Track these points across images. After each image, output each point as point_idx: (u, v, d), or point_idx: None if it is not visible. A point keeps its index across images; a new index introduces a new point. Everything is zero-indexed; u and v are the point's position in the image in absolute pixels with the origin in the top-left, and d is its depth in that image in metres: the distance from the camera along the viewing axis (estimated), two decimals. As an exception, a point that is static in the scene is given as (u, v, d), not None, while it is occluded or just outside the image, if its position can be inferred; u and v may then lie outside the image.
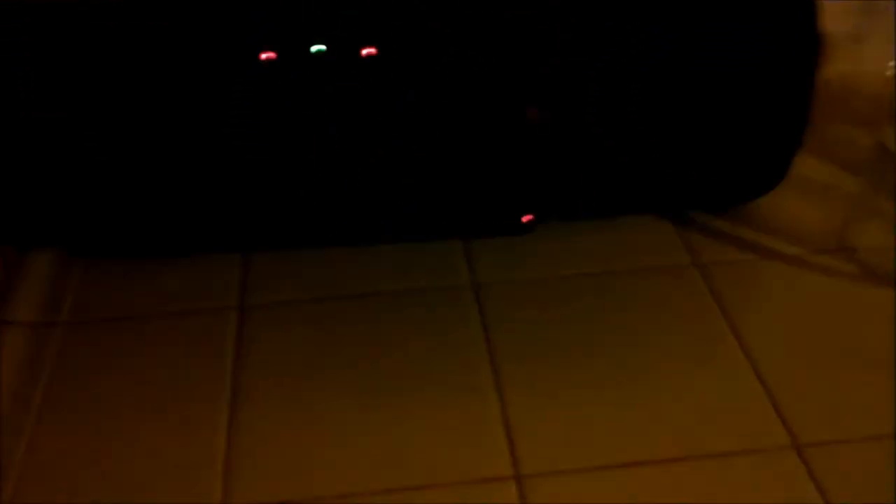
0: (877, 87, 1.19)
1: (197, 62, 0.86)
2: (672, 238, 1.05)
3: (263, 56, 0.86)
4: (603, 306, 0.96)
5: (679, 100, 0.95)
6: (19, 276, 0.97)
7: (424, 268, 1.00)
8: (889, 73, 1.21)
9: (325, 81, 0.88)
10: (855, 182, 1.10)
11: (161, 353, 0.90)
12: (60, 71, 0.85)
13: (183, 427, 0.83)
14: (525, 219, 0.99)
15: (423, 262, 1.00)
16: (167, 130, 0.89)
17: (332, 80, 0.87)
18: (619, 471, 0.79)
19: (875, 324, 0.92)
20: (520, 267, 1.00)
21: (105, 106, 0.87)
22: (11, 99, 0.86)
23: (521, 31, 0.88)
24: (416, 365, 0.89)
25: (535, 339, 0.92)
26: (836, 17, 0.99)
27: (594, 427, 0.83)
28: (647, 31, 0.90)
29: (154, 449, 0.81)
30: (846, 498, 0.76)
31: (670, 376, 0.88)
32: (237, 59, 0.86)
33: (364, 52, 0.87)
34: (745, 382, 0.87)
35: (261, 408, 0.85)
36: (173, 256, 1.00)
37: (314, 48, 0.86)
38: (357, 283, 0.98)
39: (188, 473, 0.79)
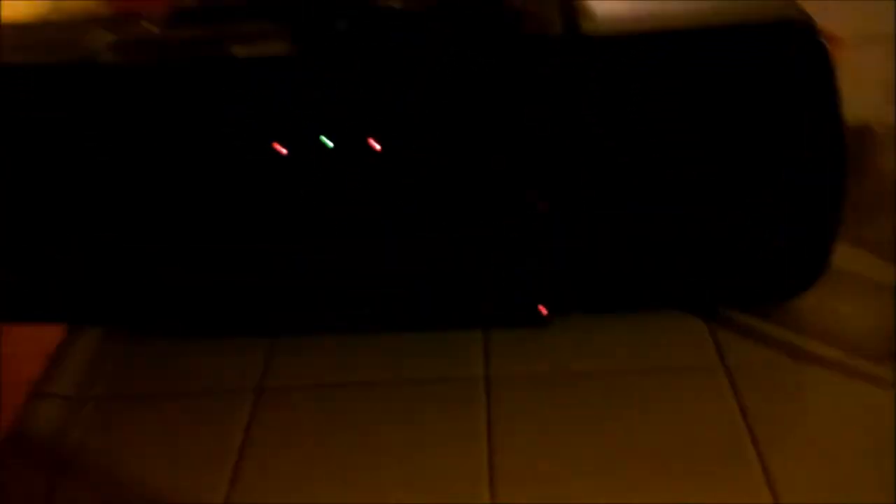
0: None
1: (219, 156, 0.91)
2: (701, 336, 1.01)
3: (276, 148, 0.90)
4: (614, 408, 0.93)
5: (709, 192, 0.93)
6: (67, 351, 1.04)
7: (440, 357, 1.01)
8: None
9: (334, 173, 0.91)
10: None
11: (176, 431, 0.94)
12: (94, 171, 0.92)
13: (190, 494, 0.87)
14: (542, 311, 0.98)
15: (440, 352, 1.01)
16: (192, 227, 0.94)
17: (342, 172, 0.91)
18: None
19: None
20: (535, 360, 0.99)
21: (142, 200, 0.94)
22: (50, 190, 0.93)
23: (526, 120, 0.90)
24: (414, 456, 0.89)
25: (537, 440, 0.90)
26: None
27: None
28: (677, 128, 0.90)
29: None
30: None
31: (677, 485, 0.84)
32: (252, 151, 0.91)
33: (370, 144, 0.90)
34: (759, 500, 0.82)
35: (258, 487, 0.87)
36: (204, 337, 1.04)
37: (324, 142, 0.90)
38: (372, 371, 1.00)
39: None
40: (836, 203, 0.91)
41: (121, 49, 0.89)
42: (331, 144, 0.89)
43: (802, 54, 0.85)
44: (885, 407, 0.89)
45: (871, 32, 1.15)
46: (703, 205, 0.93)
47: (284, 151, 0.90)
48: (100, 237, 0.95)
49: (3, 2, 1.00)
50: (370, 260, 0.96)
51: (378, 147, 0.89)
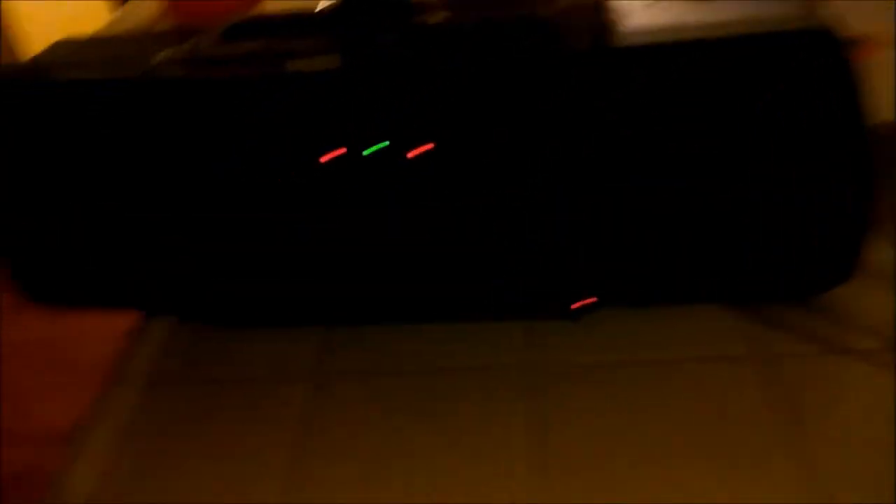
0: None
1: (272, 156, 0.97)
2: (736, 328, 1.04)
3: (328, 156, 0.96)
4: (652, 398, 0.97)
5: (743, 188, 0.95)
6: (140, 338, 1.13)
7: (481, 346, 1.06)
8: None
9: (387, 176, 0.96)
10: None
11: (234, 418, 1.02)
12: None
13: (240, 486, 0.94)
14: (577, 304, 1.03)
15: (482, 341, 1.06)
16: (247, 231, 1.01)
17: (393, 175, 0.96)
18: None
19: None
20: (576, 350, 1.03)
21: (199, 191, 1.00)
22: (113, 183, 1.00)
23: (578, 122, 0.93)
24: (458, 441, 0.95)
25: (577, 429, 0.95)
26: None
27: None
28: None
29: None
30: None
31: (720, 478, 0.87)
32: (303, 161, 0.96)
33: (420, 148, 0.95)
34: (801, 494, 0.85)
35: (315, 474, 0.94)
36: (265, 327, 1.12)
37: (374, 148, 0.95)
38: (419, 361, 1.06)
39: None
40: (867, 199, 0.93)
41: (178, 64, 0.96)
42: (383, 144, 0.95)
43: (820, 59, 0.87)
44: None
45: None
46: (739, 201, 0.95)
47: (343, 150, 0.95)
48: (167, 237, 1.02)
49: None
50: (414, 256, 1.01)
51: (425, 148, 0.94)
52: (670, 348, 1.03)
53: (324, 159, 0.95)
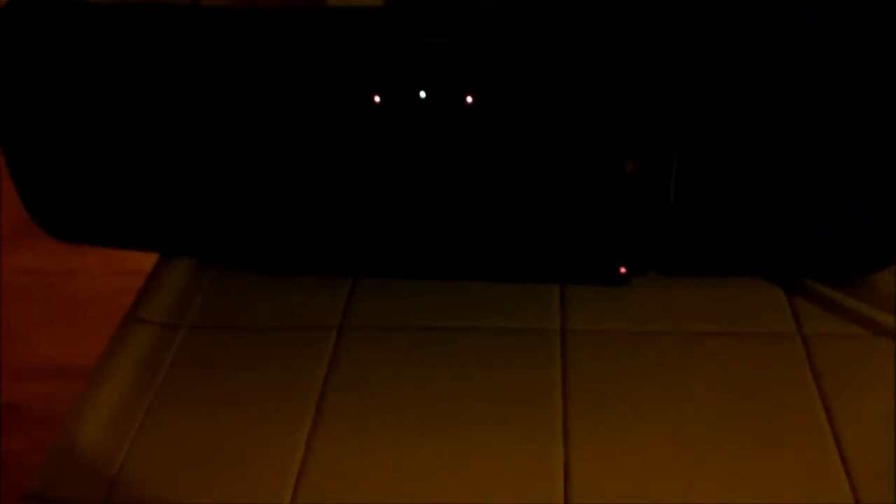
0: None
1: (317, 99, 0.93)
2: (779, 304, 1.01)
3: (376, 98, 0.92)
4: (690, 368, 0.95)
5: (797, 162, 0.92)
6: (158, 279, 1.09)
7: (518, 308, 1.03)
8: None
9: (428, 125, 0.93)
10: None
11: (261, 364, 0.99)
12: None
13: (266, 435, 0.91)
14: (622, 270, 1.00)
15: (518, 303, 1.03)
16: (290, 164, 0.97)
17: (435, 125, 0.93)
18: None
19: None
20: (612, 318, 1.01)
21: (236, 133, 0.96)
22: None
23: (624, 85, 0.90)
24: (489, 402, 0.92)
25: (613, 394, 0.93)
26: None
27: (656, 489, 0.83)
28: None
29: (237, 451, 0.90)
30: None
31: (748, 453, 0.86)
32: (353, 99, 0.93)
33: (466, 99, 0.91)
34: (830, 473, 0.83)
35: (341, 425, 0.91)
36: (290, 273, 1.08)
37: (421, 94, 0.92)
38: (452, 317, 1.02)
39: (264, 475, 0.87)
40: None
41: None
42: (423, 95, 0.91)
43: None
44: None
45: None
46: (790, 175, 0.93)
47: (377, 100, 0.91)
48: (192, 174, 0.98)
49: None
50: (455, 211, 0.98)
51: (471, 100, 0.91)
52: (712, 322, 1.00)
53: (375, 98, 0.91)
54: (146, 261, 1.14)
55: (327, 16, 0.91)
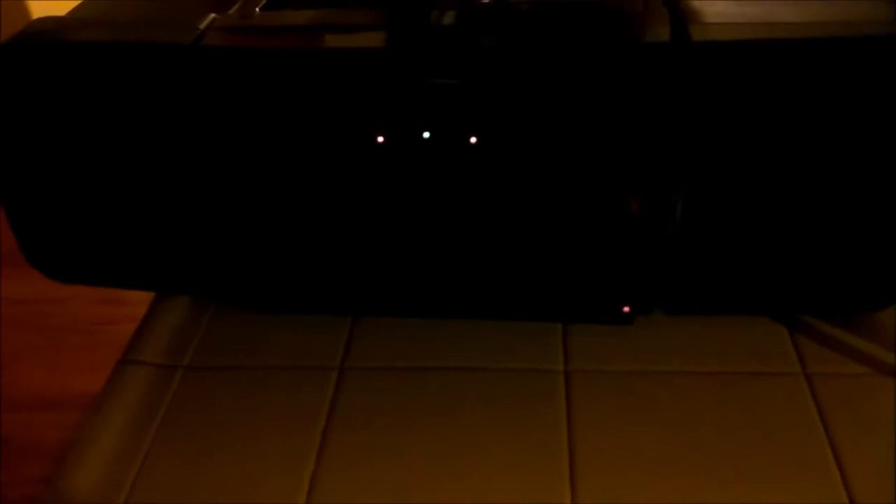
0: None
1: (322, 139, 0.92)
2: (783, 343, 1.01)
3: (379, 139, 0.91)
4: (694, 407, 0.94)
5: (800, 201, 0.92)
6: (155, 320, 1.07)
7: (521, 349, 1.02)
8: None
9: (430, 166, 0.92)
10: None
11: (262, 405, 0.97)
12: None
13: (268, 477, 0.90)
14: (625, 309, 0.99)
15: (521, 343, 1.02)
16: (292, 201, 0.96)
17: (437, 165, 0.92)
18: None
19: None
20: (616, 358, 1.00)
21: (240, 170, 0.95)
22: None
23: (625, 123, 0.89)
24: (492, 442, 0.92)
25: (618, 434, 0.92)
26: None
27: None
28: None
29: (238, 494, 0.88)
30: None
31: (754, 491, 0.86)
32: (356, 139, 0.92)
33: (469, 140, 0.91)
34: None
35: (344, 464, 0.91)
36: (289, 312, 1.06)
37: (424, 135, 0.91)
38: (454, 358, 1.01)
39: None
40: None
41: (228, 31, 0.90)
42: (426, 135, 0.90)
43: None
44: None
45: None
46: (794, 213, 0.93)
47: (381, 140, 0.90)
48: (190, 214, 0.97)
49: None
50: (458, 250, 0.97)
51: (474, 140, 0.90)
52: (715, 361, 1.00)
53: (379, 139, 0.90)
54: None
55: (330, 56, 0.89)
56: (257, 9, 0.94)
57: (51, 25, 0.92)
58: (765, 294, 0.99)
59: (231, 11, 0.93)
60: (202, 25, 0.91)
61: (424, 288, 1.01)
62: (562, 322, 1.04)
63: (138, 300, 1.15)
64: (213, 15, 0.92)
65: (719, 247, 0.95)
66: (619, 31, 0.89)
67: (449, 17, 0.93)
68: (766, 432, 0.92)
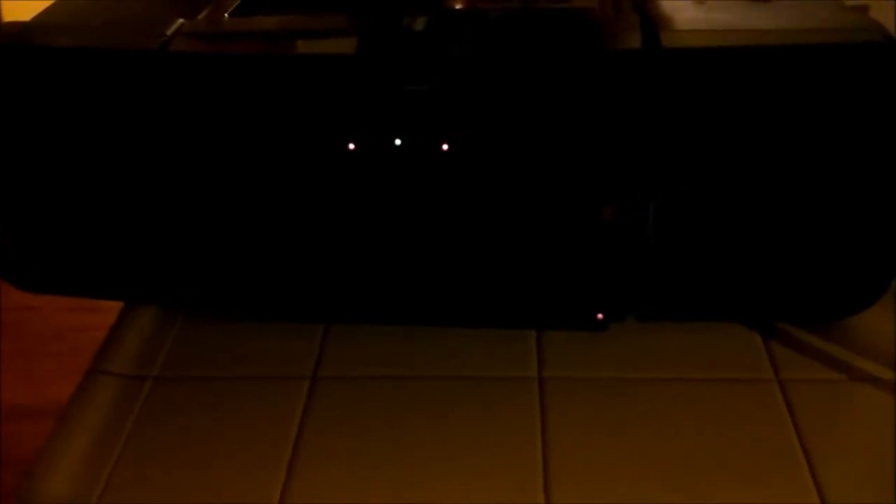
0: None
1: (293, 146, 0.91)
2: (756, 349, 1.01)
3: (350, 146, 0.90)
4: (667, 414, 0.94)
5: (774, 208, 0.92)
6: (123, 329, 1.06)
7: (494, 356, 1.01)
8: None
9: (402, 172, 0.91)
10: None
11: (232, 415, 0.96)
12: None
13: (238, 489, 0.88)
14: (599, 316, 0.99)
15: (495, 350, 1.02)
16: (263, 209, 0.95)
17: (409, 172, 0.91)
18: None
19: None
20: (589, 364, 1.00)
21: (211, 177, 0.94)
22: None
23: (597, 130, 0.89)
24: (467, 450, 0.91)
25: (592, 440, 0.91)
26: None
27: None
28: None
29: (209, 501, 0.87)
30: None
31: (728, 494, 0.85)
32: (327, 146, 0.91)
33: (441, 146, 0.90)
34: None
35: (316, 474, 0.89)
36: (259, 321, 1.05)
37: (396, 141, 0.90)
38: (427, 366, 1.01)
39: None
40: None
41: (195, 37, 0.89)
42: (398, 142, 0.90)
43: (879, 74, 0.84)
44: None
45: None
46: (768, 220, 0.93)
47: (352, 147, 0.90)
48: (158, 222, 0.96)
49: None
50: (430, 257, 0.96)
51: (446, 147, 0.89)
52: (689, 367, 0.99)
53: (350, 146, 0.89)
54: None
55: (300, 62, 0.89)
56: (226, 14, 0.93)
57: (16, 30, 0.91)
58: (738, 301, 0.99)
59: (200, 17, 0.92)
60: (169, 31, 0.90)
61: (398, 296, 1.00)
62: (535, 329, 1.03)
63: (111, 308, 1.13)
64: (181, 20, 0.91)
65: (692, 254, 0.95)
66: (590, 39, 0.89)
67: (420, 24, 0.92)
68: (739, 438, 0.91)
